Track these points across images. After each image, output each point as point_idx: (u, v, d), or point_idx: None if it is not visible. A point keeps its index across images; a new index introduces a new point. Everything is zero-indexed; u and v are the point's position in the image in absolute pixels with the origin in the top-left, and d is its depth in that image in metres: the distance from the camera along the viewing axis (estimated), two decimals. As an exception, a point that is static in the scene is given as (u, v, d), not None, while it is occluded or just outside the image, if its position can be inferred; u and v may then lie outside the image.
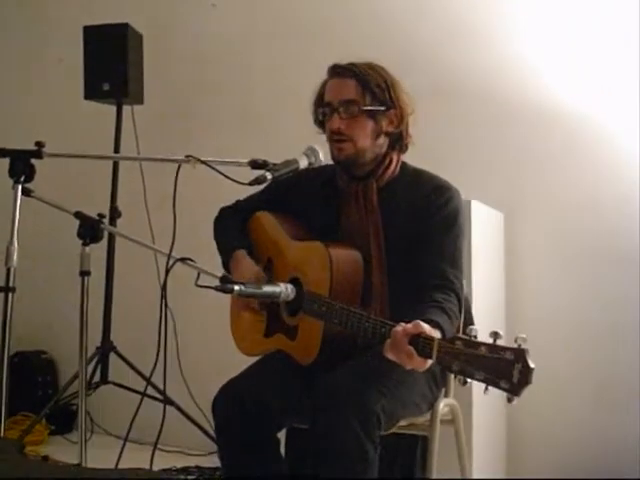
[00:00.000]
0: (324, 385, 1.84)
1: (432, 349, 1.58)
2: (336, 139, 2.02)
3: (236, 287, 1.81)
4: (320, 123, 2.10)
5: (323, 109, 2.06)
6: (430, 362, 1.62)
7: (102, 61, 3.46)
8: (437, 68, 3.17)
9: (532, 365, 1.41)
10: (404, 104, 2.04)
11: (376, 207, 2.03)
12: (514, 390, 1.42)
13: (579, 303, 2.95)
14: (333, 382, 1.83)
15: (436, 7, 3.23)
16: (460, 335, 1.56)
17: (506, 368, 1.43)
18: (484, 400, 2.51)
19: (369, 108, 2.00)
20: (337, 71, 2.04)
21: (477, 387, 1.51)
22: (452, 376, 2.08)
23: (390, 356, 1.68)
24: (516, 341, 1.44)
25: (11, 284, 2.04)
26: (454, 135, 3.13)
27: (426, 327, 1.65)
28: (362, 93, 2.00)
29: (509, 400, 1.44)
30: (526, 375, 1.41)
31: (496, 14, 3.11)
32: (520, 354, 1.43)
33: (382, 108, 2.01)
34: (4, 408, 2.02)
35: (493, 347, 1.47)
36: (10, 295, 2.04)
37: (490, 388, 1.47)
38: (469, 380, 1.51)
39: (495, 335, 1.48)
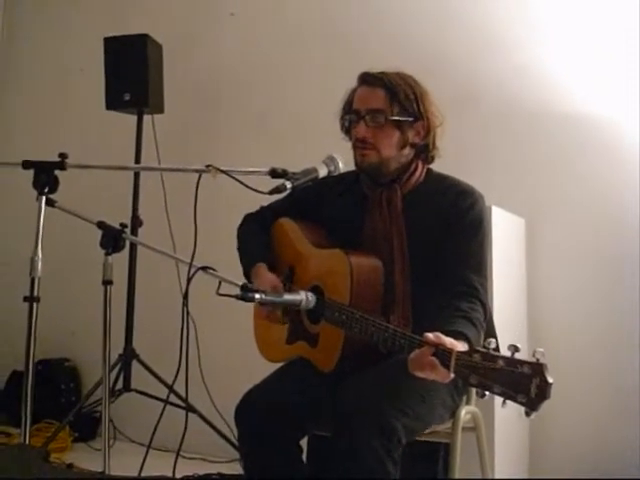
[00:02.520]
0: (345, 402, 1.82)
1: (450, 361, 1.58)
2: (360, 147, 2.02)
3: (257, 295, 1.83)
4: (346, 130, 2.10)
5: (350, 116, 2.06)
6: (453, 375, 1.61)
7: (123, 71, 3.51)
8: (458, 74, 3.16)
9: (550, 380, 1.41)
10: (432, 116, 2.03)
11: (400, 213, 2.03)
12: (531, 404, 1.42)
13: (601, 309, 2.92)
14: (354, 399, 1.80)
15: (459, 15, 3.23)
16: (478, 348, 1.55)
17: (524, 382, 1.42)
18: (506, 408, 2.50)
19: (396, 118, 2.00)
20: (367, 79, 2.04)
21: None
22: (472, 385, 2.08)
23: (413, 367, 1.67)
24: (534, 355, 1.43)
25: (35, 294, 2.06)
26: (474, 141, 3.12)
27: (447, 340, 1.64)
28: (390, 103, 2.00)
29: (527, 414, 1.43)
30: (544, 390, 1.40)
31: (518, 21, 3.10)
32: (538, 369, 1.42)
33: (409, 119, 2.01)
34: (29, 415, 2.03)
35: (511, 361, 1.46)
36: (35, 305, 2.06)
37: (508, 402, 1.46)
38: (487, 393, 1.50)
39: (514, 348, 1.47)
